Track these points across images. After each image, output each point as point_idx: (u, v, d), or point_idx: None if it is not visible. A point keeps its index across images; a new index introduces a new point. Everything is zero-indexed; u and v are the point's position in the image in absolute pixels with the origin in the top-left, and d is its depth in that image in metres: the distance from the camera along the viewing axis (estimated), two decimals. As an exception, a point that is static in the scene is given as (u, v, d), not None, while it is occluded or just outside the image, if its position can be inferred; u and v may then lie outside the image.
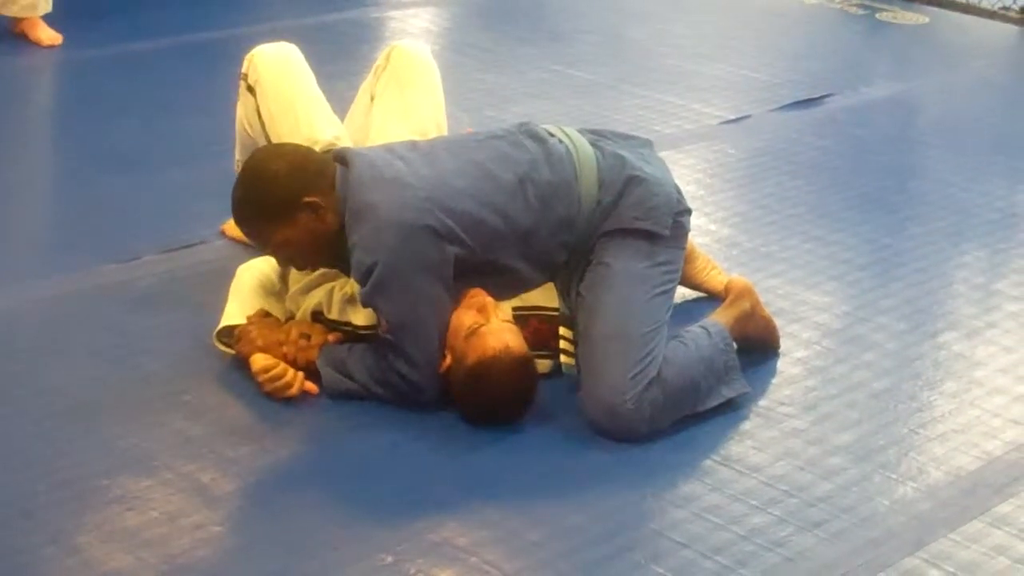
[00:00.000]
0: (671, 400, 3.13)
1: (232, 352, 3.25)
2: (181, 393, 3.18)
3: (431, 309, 3.12)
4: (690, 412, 3.19)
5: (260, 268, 3.39)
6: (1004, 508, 2.97)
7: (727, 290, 3.50)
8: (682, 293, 3.59)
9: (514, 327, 3.16)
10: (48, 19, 5.48)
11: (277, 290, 3.37)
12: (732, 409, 3.26)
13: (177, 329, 3.42)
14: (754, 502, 2.94)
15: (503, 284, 3.23)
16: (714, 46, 6.13)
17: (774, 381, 3.42)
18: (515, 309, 3.28)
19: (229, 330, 3.27)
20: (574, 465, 3.05)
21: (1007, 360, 3.58)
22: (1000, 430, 3.26)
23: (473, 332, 3.09)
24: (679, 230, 3.30)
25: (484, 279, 3.17)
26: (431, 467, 3.02)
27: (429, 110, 3.63)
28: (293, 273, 3.36)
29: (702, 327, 3.31)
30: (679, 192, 3.33)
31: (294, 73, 3.58)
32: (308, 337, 3.21)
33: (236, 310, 3.30)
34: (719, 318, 3.38)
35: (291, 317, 3.33)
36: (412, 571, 2.68)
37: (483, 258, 3.15)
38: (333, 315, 3.27)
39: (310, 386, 3.18)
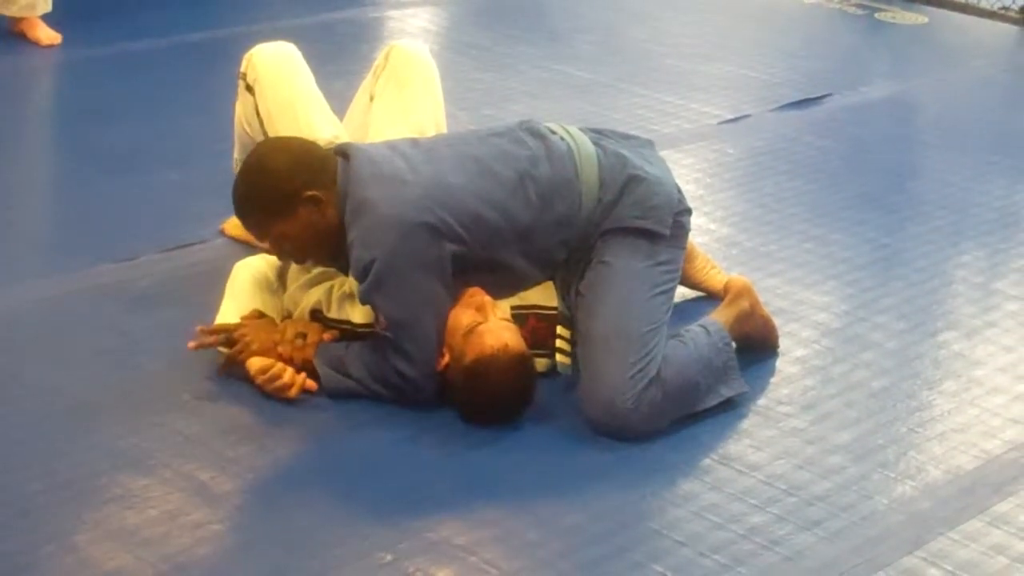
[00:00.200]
0: (670, 399, 3.13)
1: (227, 352, 3.23)
2: (180, 392, 3.18)
3: (429, 307, 3.12)
4: (689, 411, 3.19)
5: (257, 266, 3.39)
6: (1003, 507, 2.97)
7: (726, 289, 3.51)
8: (681, 292, 3.59)
9: (513, 326, 3.16)
10: (47, 19, 5.48)
11: (274, 288, 3.36)
12: (731, 408, 3.26)
13: (176, 329, 3.41)
14: (753, 501, 2.94)
15: (502, 282, 3.23)
16: (713, 46, 6.13)
17: (773, 380, 3.42)
18: (513, 308, 3.28)
19: (225, 328, 3.26)
20: (573, 464, 3.05)
21: (1006, 359, 3.58)
22: (999, 429, 3.26)
23: (471, 330, 3.09)
24: (679, 230, 3.30)
25: (483, 276, 3.17)
26: (430, 466, 3.02)
27: (428, 110, 3.63)
28: (292, 271, 3.36)
29: (701, 326, 3.31)
30: (680, 192, 3.33)
31: (293, 72, 3.58)
32: (304, 336, 3.21)
33: (232, 309, 3.30)
34: (718, 317, 3.38)
35: (287, 316, 3.33)
36: (411, 570, 2.68)
37: (482, 255, 3.15)
38: (332, 313, 3.27)
39: (310, 384, 3.18)
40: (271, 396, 3.15)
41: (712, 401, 3.23)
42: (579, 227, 3.20)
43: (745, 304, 3.44)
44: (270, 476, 2.99)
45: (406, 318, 3.10)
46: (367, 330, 3.21)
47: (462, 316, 3.12)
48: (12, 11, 5.43)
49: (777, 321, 3.56)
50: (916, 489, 3.02)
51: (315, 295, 3.30)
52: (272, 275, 3.37)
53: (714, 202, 4.45)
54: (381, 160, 3.15)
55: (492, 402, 3.12)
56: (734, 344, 3.33)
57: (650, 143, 3.42)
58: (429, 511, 2.86)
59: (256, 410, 3.14)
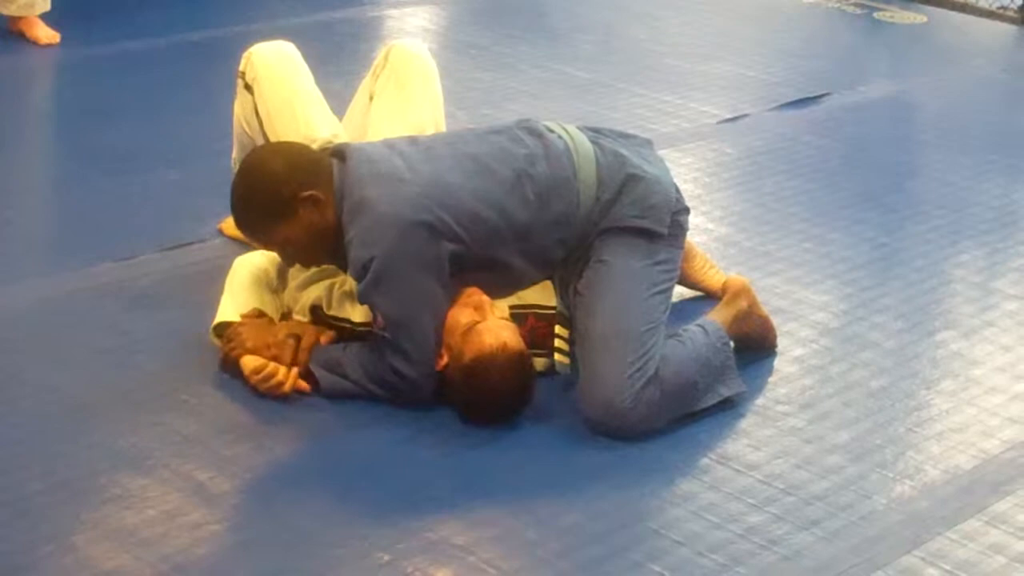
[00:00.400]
0: (668, 399, 3.13)
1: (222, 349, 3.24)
2: (178, 392, 3.18)
3: (427, 306, 3.12)
4: (687, 411, 3.19)
5: (257, 262, 3.39)
6: (1001, 506, 2.97)
7: (724, 289, 3.51)
8: (680, 292, 3.59)
9: (511, 324, 3.16)
10: (46, 18, 5.48)
11: (274, 286, 3.37)
12: (729, 407, 3.26)
13: (175, 328, 3.42)
14: (751, 500, 2.94)
15: (500, 281, 3.23)
16: (712, 45, 6.13)
17: (771, 380, 3.42)
18: (512, 307, 3.28)
19: (224, 326, 3.27)
20: (571, 463, 3.06)
21: (1004, 359, 3.58)
22: (997, 429, 3.26)
23: (470, 329, 3.09)
24: (677, 229, 3.30)
25: (481, 276, 3.17)
26: (428, 465, 3.02)
27: (427, 109, 3.63)
28: (292, 269, 3.36)
29: (699, 326, 3.31)
30: (678, 191, 3.33)
31: (292, 71, 3.58)
32: (298, 339, 3.20)
33: (231, 306, 3.30)
34: (716, 317, 3.38)
35: (287, 313, 3.33)
36: (410, 570, 2.68)
37: (480, 254, 3.15)
38: (332, 310, 3.28)
39: (302, 384, 3.17)
40: (265, 395, 3.15)
41: (710, 400, 3.23)
42: (577, 226, 3.20)
43: (743, 304, 3.44)
44: (268, 476, 2.99)
45: (404, 317, 3.11)
46: (366, 329, 3.21)
47: (460, 315, 3.12)
48: (11, 10, 5.43)
49: (775, 320, 3.57)
50: (914, 488, 3.02)
51: (316, 291, 3.30)
52: (272, 272, 3.37)
53: (713, 201, 4.46)
54: (378, 159, 3.16)
55: (491, 401, 3.12)
56: (732, 344, 3.33)
57: (648, 142, 3.42)
58: (427, 511, 2.86)
59: (254, 410, 3.14)
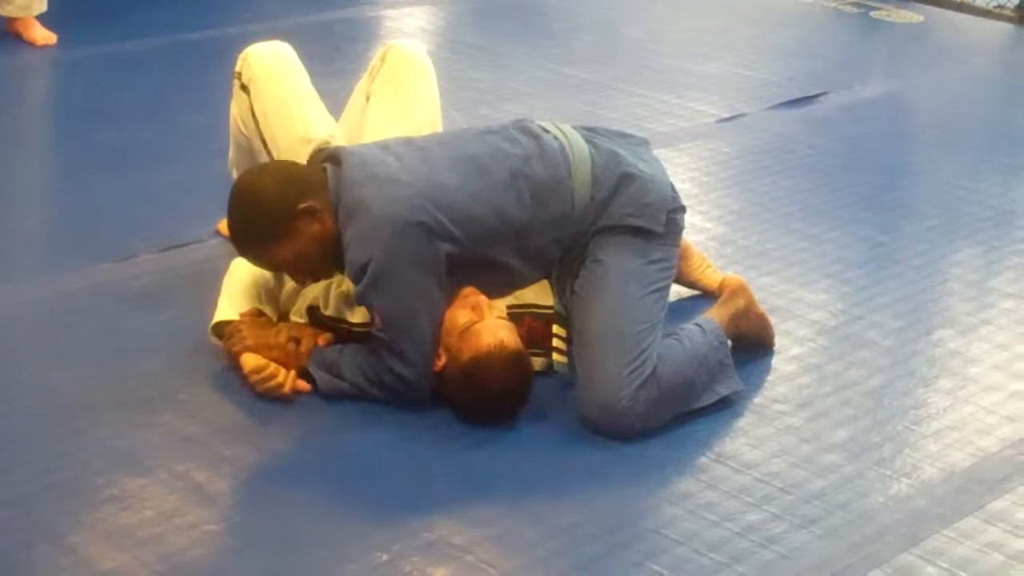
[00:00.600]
0: (665, 398, 3.13)
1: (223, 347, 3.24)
2: (176, 392, 3.18)
3: (425, 306, 3.12)
4: (685, 409, 3.19)
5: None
6: (998, 504, 2.97)
7: (721, 288, 3.51)
8: (677, 291, 3.59)
9: (509, 324, 3.16)
10: (42, 19, 5.48)
11: (271, 286, 3.36)
12: (727, 406, 3.26)
13: (173, 328, 3.42)
14: (749, 499, 2.95)
15: (497, 281, 3.23)
16: (709, 45, 6.13)
17: (769, 378, 3.42)
18: (509, 307, 3.28)
19: (223, 326, 3.27)
20: (569, 463, 3.06)
21: (1001, 357, 3.59)
22: (994, 427, 3.27)
23: (467, 329, 3.09)
24: (673, 227, 3.30)
25: (478, 276, 3.17)
26: (426, 465, 3.02)
27: (424, 110, 3.63)
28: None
29: (696, 325, 3.31)
30: (673, 189, 3.34)
31: (288, 72, 3.57)
32: (297, 342, 3.19)
33: (229, 306, 3.30)
34: (713, 316, 3.38)
35: (284, 314, 3.33)
36: (407, 569, 2.68)
37: (476, 254, 3.15)
38: (329, 312, 3.27)
39: (302, 385, 3.18)
40: (263, 396, 3.15)
41: (708, 399, 3.23)
42: (573, 226, 3.20)
43: (740, 302, 3.44)
44: (266, 476, 2.99)
45: (402, 318, 3.10)
46: (363, 330, 3.21)
47: (458, 315, 3.12)
48: (8, 11, 5.43)
49: (773, 319, 3.57)
50: (912, 487, 3.02)
51: (313, 292, 3.30)
52: (269, 272, 3.36)
53: (710, 201, 4.46)
54: (373, 160, 3.15)
55: (489, 401, 3.12)
56: (730, 342, 3.33)
57: (645, 141, 3.42)
58: (425, 510, 2.86)
59: (252, 410, 3.14)
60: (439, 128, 3.65)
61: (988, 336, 3.69)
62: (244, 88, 3.56)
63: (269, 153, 3.47)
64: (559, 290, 3.28)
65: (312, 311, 3.29)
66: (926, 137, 5.25)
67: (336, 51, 5.59)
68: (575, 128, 3.34)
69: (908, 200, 4.58)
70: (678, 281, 3.55)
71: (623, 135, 3.41)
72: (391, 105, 3.59)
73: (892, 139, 5.21)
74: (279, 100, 3.51)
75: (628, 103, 5.29)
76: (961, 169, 4.83)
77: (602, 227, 3.21)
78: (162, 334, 3.41)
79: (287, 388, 3.16)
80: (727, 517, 2.88)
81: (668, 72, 5.70)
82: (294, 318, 3.32)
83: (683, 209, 3.35)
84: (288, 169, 3.21)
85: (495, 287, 3.23)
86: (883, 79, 5.89)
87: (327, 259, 3.16)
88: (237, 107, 3.60)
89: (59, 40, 5.47)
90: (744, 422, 3.24)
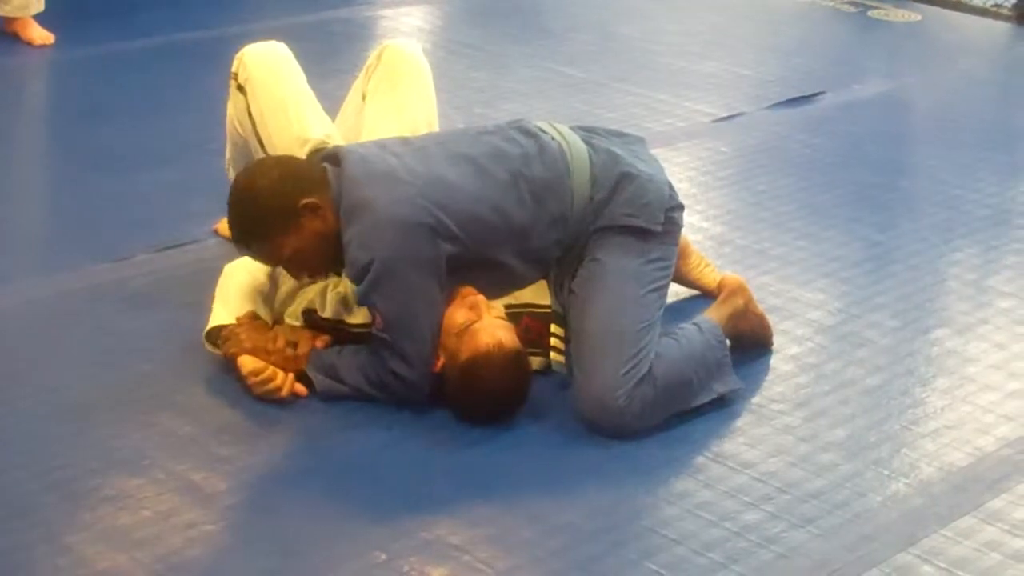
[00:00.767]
0: (662, 396, 3.13)
1: (220, 353, 3.23)
2: (173, 392, 3.18)
3: (426, 307, 3.11)
4: (682, 408, 3.19)
5: (248, 268, 3.35)
6: (996, 504, 2.97)
7: (720, 287, 3.51)
8: (675, 291, 3.59)
9: (507, 323, 3.16)
10: (40, 18, 5.47)
11: (265, 291, 3.34)
12: (724, 406, 3.26)
13: (169, 328, 3.42)
14: (746, 498, 2.94)
15: (496, 281, 3.23)
16: (706, 44, 6.13)
17: (766, 378, 3.42)
18: (507, 307, 3.28)
19: (218, 331, 3.25)
20: (567, 462, 3.06)
21: (999, 356, 3.59)
22: (992, 426, 3.27)
23: (466, 329, 3.08)
24: (672, 226, 3.30)
25: (478, 276, 3.17)
26: (423, 465, 3.02)
27: (421, 109, 3.63)
28: (284, 274, 3.34)
29: (694, 324, 3.31)
30: (671, 188, 3.33)
31: (284, 72, 3.57)
32: (295, 345, 3.18)
33: (223, 311, 3.27)
34: (712, 315, 3.38)
35: (279, 318, 3.31)
36: (405, 569, 2.68)
37: (477, 255, 3.14)
38: (327, 314, 3.27)
39: (299, 388, 3.16)
40: (260, 399, 3.14)
41: (705, 398, 3.23)
42: (572, 226, 3.20)
43: (739, 302, 3.44)
44: (263, 476, 2.98)
45: (404, 318, 3.10)
46: (361, 330, 3.21)
47: (456, 315, 3.12)
48: (5, 11, 5.43)
49: (770, 319, 3.56)
50: (909, 486, 3.02)
51: (309, 295, 3.30)
52: (263, 277, 3.34)
53: (707, 200, 4.46)
54: (373, 159, 3.15)
55: (487, 400, 3.12)
56: (728, 342, 3.33)
57: (641, 140, 3.42)
58: (423, 510, 2.86)
59: (249, 411, 3.14)
60: (436, 127, 3.65)
61: (986, 335, 3.69)
62: (240, 88, 3.56)
63: (265, 153, 3.46)
64: (556, 289, 3.28)
65: (309, 314, 3.28)
66: (924, 136, 5.25)
67: (333, 51, 5.59)
68: (572, 128, 3.34)
69: (906, 199, 4.58)
70: (676, 280, 3.55)
71: (620, 134, 3.41)
72: (388, 104, 3.59)
73: (890, 138, 5.21)
74: (275, 100, 3.51)
75: (625, 102, 5.29)
76: (959, 168, 4.83)
77: (601, 227, 3.21)
78: (160, 334, 3.41)
79: (285, 391, 3.15)
80: (724, 516, 2.88)
81: (665, 71, 5.70)
82: (289, 321, 3.31)
83: (681, 207, 3.35)
84: (289, 164, 3.20)
85: (495, 287, 3.23)
86: (881, 78, 5.89)
87: (327, 256, 3.16)
88: (234, 107, 3.60)
89: (56, 40, 5.46)
90: (742, 421, 3.24)
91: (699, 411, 3.22)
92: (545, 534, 2.80)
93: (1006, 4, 6.86)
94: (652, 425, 3.13)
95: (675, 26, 6.39)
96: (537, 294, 3.33)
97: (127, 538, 2.71)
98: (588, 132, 3.35)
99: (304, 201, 3.07)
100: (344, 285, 3.25)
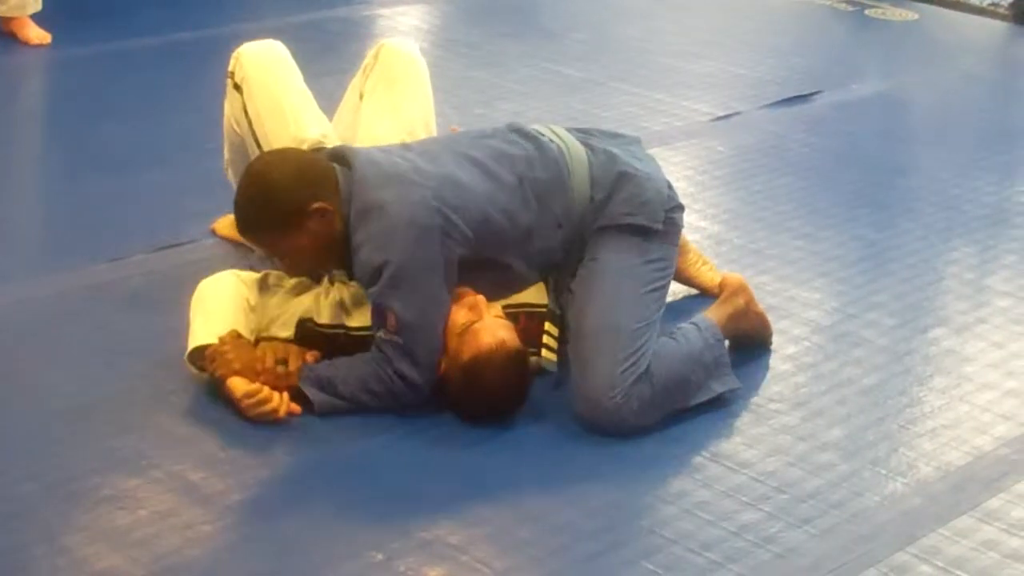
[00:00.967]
0: (659, 395, 3.13)
1: (204, 374, 3.13)
2: (170, 392, 3.18)
3: (438, 309, 3.10)
4: (680, 407, 3.19)
5: (227, 282, 3.25)
6: (994, 503, 2.97)
7: (721, 287, 3.50)
8: (675, 290, 3.59)
9: (508, 323, 3.16)
10: (37, 18, 5.47)
11: (247, 307, 3.22)
12: (722, 405, 3.26)
13: (167, 328, 3.41)
14: (744, 498, 2.94)
15: (498, 283, 3.22)
16: (704, 43, 6.13)
17: (764, 377, 3.42)
18: (504, 307, 3.28)
19: (201, 351, 3.14)
20: (564, 462, 3.05)
21: (997, 355, 3.59)
22: (990, 425, 3.27)
23: (467, 329, 3.08)
24: (672, 227, 3.30)
25: (482, 277, 3.15)
26: (421, 465, 3.02)
27: (418, 108, 3.62)
28: (266, 283, 3.29)
29: (693, 323, 3.31)
30: (670, 188, 3.34)
31: (280, 71, 3.57)
32: (285, 362, 3.11)
33: (204, 330, 3.16)
34: (712, 315, 3.38)
35: (266, 329, 3.22)
36: (403, 569, 2.67)
37: (484, 256, 3.14)
38: (324, 319, 3.22)
39: (295, 407, 3.08)
40: (255, 421, 3.06)
41: (703, 397, 3.23)
42: (573, 227, 3.21)
43: (740, 302, 3.43)
44: (261, 476, 2.98)
45: (417, 320, 3.07)
46: (361, 334, 3.18)
47: (457, 315, 3.11)
48: (2, 10, 5.43)
49: (768, 318, 3.56)
50: (907, 486, 3.02)
51: (303, 304, 3.25)
52: (245, 291, 3.24)
53: (705, 199, 4.46)
54: (383, 161, 3.13)
55: (488, 400, 3.11)
56: (727, 341, 3.33)
57: (637, 140, 3.43)
58: (420, 509, 2.86)
59: (247, 410, 3.14)
60: (432, 126, 3.65)
61: (983, 334, 3.69)
62: (237, 87, 3.56)
63: (262, 153, 3.46)
64: (556, 289, 3.28)
65: (303, 324, 3.22)
66: (921, 135, 5.25)
67: (330, 50, 5.58)
68: (568, 130, 3.34)
69: (903, 198, 4.58)
70: (674, 278, 3.54)
71: (615, 135, 3.41)
72: (384, 103, 3.59)
73: (887, 137, 5.21)
74: (272, 100, 3.51)
75: (622, 102, 5.29)
76: (956, 167, 4.83)
77: (601, 226, 3.21)
78: (156, 334, 3.40)
79: (282, 412, 3.07)
80: (722, 516, 2.88)
81: (662, 71, 5.70)
82: (276, 332, 3.22)
83: (681, 208, 3.35)
84: (307, 163, 3.14)
85: (497, 288, 3.22)
86: (878, 77, 5.89)
87: (324, 259, 3.15)
88: (230, 107, 3.60)
89: (53, 39, 5.46)
90: (739, 421, 3.24)
91: (697, 410, 3.22)
92: (543, 533, 2.80)
93: (1003, 3, 6.87)
94: (650, 424, 3.13)
95: (672, 26, 6.40)
96: (534, 294, 3.32)
97: (125, 538, 2.71)
98: (584, 133, 3.35)
99: (315, 205, 3.05)
100: (337, 292, 3.23)
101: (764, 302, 3.66)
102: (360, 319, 3.20)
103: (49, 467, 2.91)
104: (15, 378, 3.23)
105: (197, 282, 3.30)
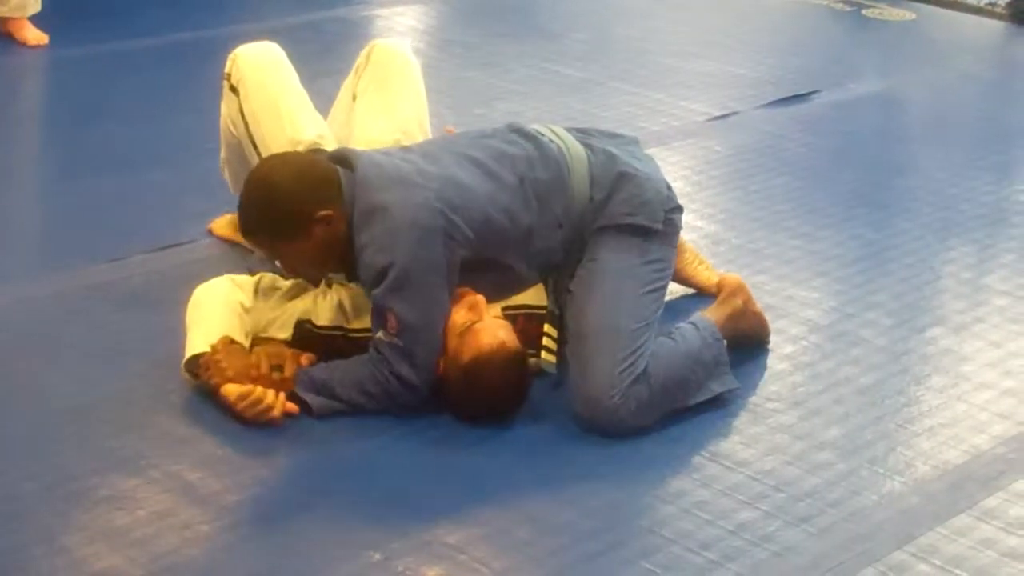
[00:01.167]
0: (658, 395, 3.13)
1: (202, 382, 3.12)
2: (169, 393, 3.18)
3: (439, 311, 3.09)
4: (678, 407, 3.19)
5: (221, 288, 3.24)
6: (991, 502, 2.98)
7: (720, 287, 3.50)
8: (673, 290, 3.59)
9: (507, 324, 3.16)
10: (34, 19, 5.47)
11: (242, 312, 3.21)
12: (720, 405, 3.26)
13: (165, 328, 3.41)
14: (742, 497, 2.95)
15: (498, 283, 3.21)
16: (701, 43, 6.13)
17: (762, 377, 3.42)
18: (504, 308, 3.28)
19: (196, 360, 3.12)
20: (563, 462, 3.06)
21: (994, 355, 3.59)
22: (987, 424, 3.27)
23: (467, 330, 3.08)
24: (671, 228, 3.30)
25: (483, 278, 3.15)
26: (420, 465, 3.02)
27: (411, 108, 3.62)
28: (263, 285, 3.28)
29: (691, 323, 3.32)
30: (669, 188, 3.34)
31: (277, 72, 3.57)
32: (280, 368, 3.10)
33: (200, 338, 3.15)
34: (710, 315, 3.38)
35: (265, 330, 3.23)
36: (401, 569, 2.68)
37: (486, 257, 3.13)
38: (323, 321, 3.23)
39: (291, 406, 3.08)
40: (252, 424, 3.05)
41: (701, 397, 3.23)
42: (573, 227, 3.20)
43: (739, 302, 3.43)
44: (259, 476, 2.98)
45: (420, 322, 3.06)
46: (360, 336, 3.18)
47: (456, 316, 3.11)
48: (2, 11, 5.43)
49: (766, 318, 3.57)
50: (905, 485, 3.03)
51: (299, 307, 3.24)
52: (239, 296, 3.23)
53: (702, 199, 4.46)
54: (385, 163, 3.13)
55: (488, 401, 3.11)
56: (725, 341, 3.33)
57: (635, 140, 3.43)
58: (419, 510, 2.86)
59: (246, 410, 3.14)
60: (426, 125, 3.64)
61: (981, 334, 3.69)
62: (234, 89, 3.56)
63: (259, 154, 3.46)
64: (554, 290, 3.28)
65: (302, 325, 3.23)
66: (918, 135, 5.25)
67: (327, 51, 5.58)
68: (567, 130, 3.34)
69: (901, 198, 4.58)
70: (672, 278, 3.54)
71: (614, 135, 3.41)
72: (378, 103, 3.58)
73: (884, 137, 5.22)
74: (268, 101, 3.51)
75: (620, 102, 5.29)
76: (954, 167, 4.83)
77: (600, 227, 3.21)
78: (154, 334, 3.40)
79: (277, 411, 3.06)
80: (720, 515, 2.89)
81: (660, 70, 5.71)
82: (272, 334, 3.22)
83: (680, 209, 3.35)
84: (312, 168, 3.12)
85: (497, 289, 3.22)
86: (875, 77, 5.89)
87: (326, 263, 3.14)
88: (227, 108, 3.60)
89: (51, 40, 5.46)
90: (737, 420, 3.24)
91: (695, 410, 3.22)
92: (542, 533, 2.80)
93: (1000, 3, 6.87)
94: (648, 424, 3.14)
95: (670, 25, 6.40)
96: (533, 295, 3.32)
97: (123, 538, 2.71)
98: (583, 133, 3.35)
99: (320, 213, 3.03)
100: (335, 293, 3.23)
101: (762, 302, 3.67)
102: (359, 321, 3.20)
103: (48, 467, 2.91)
104: (14, 378, 3.23)
105: (197, 282, 3.29)
